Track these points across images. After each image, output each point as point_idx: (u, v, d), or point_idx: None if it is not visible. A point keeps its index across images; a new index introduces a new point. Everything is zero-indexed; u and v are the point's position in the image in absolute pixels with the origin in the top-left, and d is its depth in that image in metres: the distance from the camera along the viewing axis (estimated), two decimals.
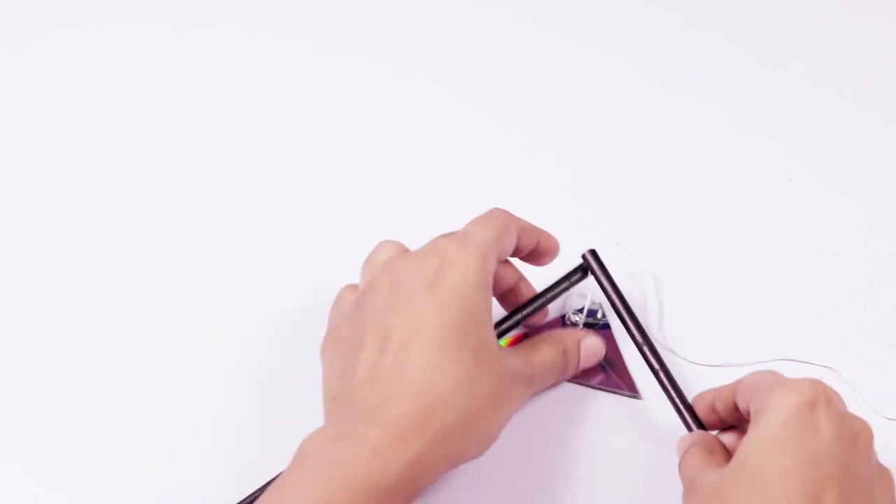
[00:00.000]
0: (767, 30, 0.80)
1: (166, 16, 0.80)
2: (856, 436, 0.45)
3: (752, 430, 0.45)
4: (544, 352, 0.55)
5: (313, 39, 0.79)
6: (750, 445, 0.44)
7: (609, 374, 0.59)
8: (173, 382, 0.60)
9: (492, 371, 0.49)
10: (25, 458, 0.57)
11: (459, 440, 0.48)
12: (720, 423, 0.52)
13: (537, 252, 0.57)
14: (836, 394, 0.46)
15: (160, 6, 0.81)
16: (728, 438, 0.51)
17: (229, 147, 0.72)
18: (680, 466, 0.50)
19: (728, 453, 0.49)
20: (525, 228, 0.56)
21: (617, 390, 0.59)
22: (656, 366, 0.56)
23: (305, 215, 0.68)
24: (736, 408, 0.50)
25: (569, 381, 0.59)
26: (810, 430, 0.43)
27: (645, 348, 0.56)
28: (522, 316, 0.58)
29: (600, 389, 0.59)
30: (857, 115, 0.74)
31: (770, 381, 0.47)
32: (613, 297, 0.57)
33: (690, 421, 0.53)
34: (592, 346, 0.58)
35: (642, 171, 0.71)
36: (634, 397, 0.59)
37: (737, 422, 0.52)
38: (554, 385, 0.58)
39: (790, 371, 0.51)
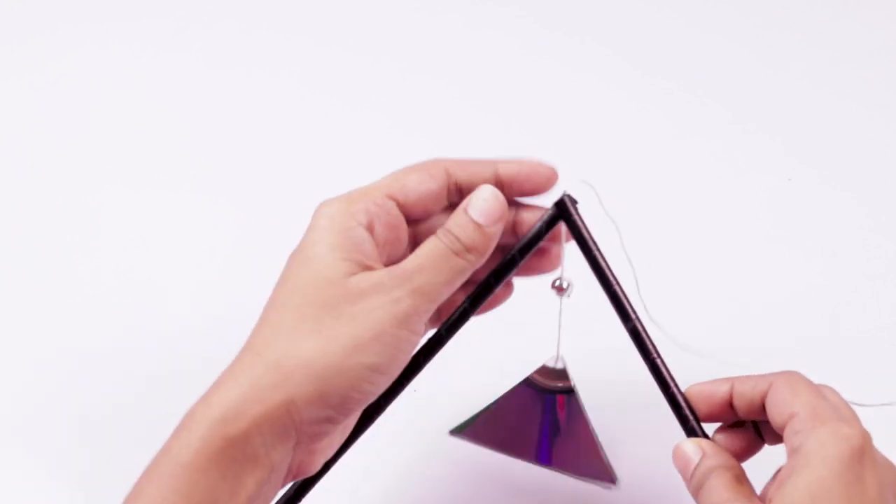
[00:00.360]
0: (767, 30, 0.80)
1: (166, 16, 0.80)
2: (892, 488, 0.45)
3: (797, 474, 0.43)
4: (419, 251, 0.47)
5: (313, 39, 0.79)
6: (795, 492, 0.43)
7: (575, 455, 0.50)
8: (173, 382, 0.59)
9: (322, 296, 0.47)
10: (25, 458, 0.56)
11: (292, 360, 0.45)
12: (731, 418, 0.49)
13: (508, 183, 0.50)
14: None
15: (160, 6, 0.81)
16: (723, 438, 0.48)
17: (229, 147, 0.72)
18: (701, 487, 0.46)
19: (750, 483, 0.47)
20: (462, 164, 0.49)
21: (585, 477, 0.50)
22: (640, 330, 0.47)
23: (306, 215, 0.68)
24: (762, 408, 0.47)
25: (537, 462, 0.50)
26: (858, 484, 0.43)
27: (633, 317, 0.48)
28: (494, 274, 0.49)
29: (567, 475, 0.50)
30: (857, 115, 0.74)
31: (811, 412, 0.45)
32: (591, 245, 0.49)
33: (693, 422, 0.48)
34: (481, 197, 0.47)
35: (642, 171, 0.71)
36: (609, 485, 0.50)
37: (756, 418, 0.48)
38: (476, 267, 0.47)
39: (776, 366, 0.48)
